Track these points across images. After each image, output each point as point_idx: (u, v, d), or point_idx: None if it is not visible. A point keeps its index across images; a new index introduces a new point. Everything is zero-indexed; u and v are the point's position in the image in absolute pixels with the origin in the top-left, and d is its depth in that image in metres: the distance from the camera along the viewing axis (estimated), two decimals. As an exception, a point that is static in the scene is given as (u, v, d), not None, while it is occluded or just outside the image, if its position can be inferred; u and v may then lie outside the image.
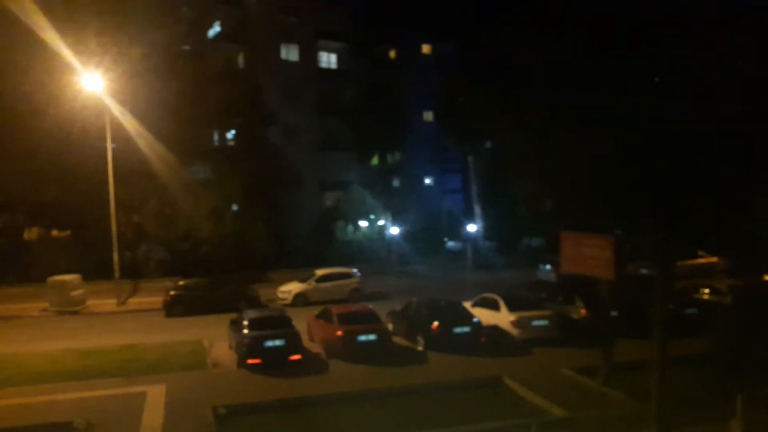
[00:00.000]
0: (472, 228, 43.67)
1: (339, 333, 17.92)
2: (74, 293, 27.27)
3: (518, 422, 12.34)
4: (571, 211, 26.09)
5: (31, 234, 44.72)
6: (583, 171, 21.62)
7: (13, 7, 27.52)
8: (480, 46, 41.65)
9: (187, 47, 44.19)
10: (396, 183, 54.04)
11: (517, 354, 18.49)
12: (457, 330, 18.78)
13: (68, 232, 41.36)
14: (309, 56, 45.65)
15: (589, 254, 14.87)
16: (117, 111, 29.73)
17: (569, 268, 16.13)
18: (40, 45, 28.96)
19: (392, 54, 56.48)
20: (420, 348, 18.95)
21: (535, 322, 19.48)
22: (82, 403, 14.28)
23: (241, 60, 44.46)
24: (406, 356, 18.49)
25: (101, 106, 28.84)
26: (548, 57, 24.61)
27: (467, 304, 21.29)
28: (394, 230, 38.99)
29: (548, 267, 31.01)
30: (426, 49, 57.68)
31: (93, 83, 27.68)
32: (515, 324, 19.33)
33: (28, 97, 30.95)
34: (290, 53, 44.99)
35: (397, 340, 19.81)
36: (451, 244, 48.94)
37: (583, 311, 20.09)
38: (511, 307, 19.86)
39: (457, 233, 48.11)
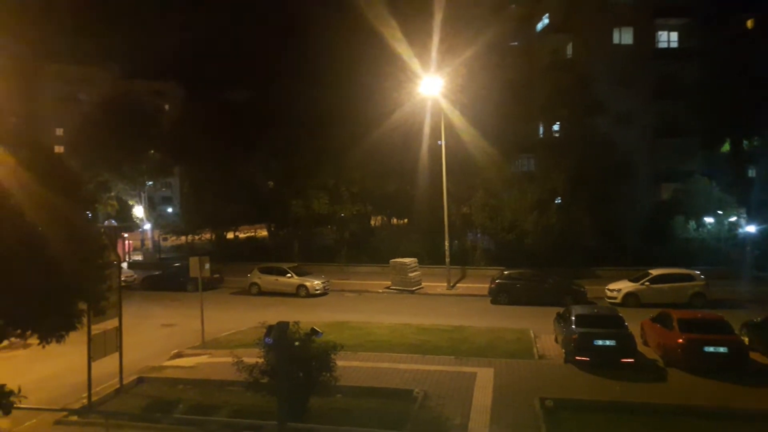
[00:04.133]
0: None
1: (680, 340, 15.88)
2: (412, 274, 30.29)
3: None
4: None
5: (376, 221, 51.70)
6: None
7: (374, 27, 31.97)
8: None
9: (515, 43, 45.04)
10: (751, 173, 45.72)
11: None
12: None
13: (405, 220, 46.46)
14: (645, 37, 41.84)
15: None
16: (449, 110, 31.93)
17: None
18: (390, 55, 33.00)
19: (749, 23, 47.90)
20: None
21: None
22: (419, 374, 15.53)
23: (569, 50, 43.22)
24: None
25: (436, 106, 31.34)
26: None
27: None
28: (750, 228, 33.06)
29: None
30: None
31: (432, 86, 30.27)
32: None
33: (379, 103, 35.63)
34: (623, 36, 41.91)
35: (754, 356, 16.58)
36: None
37: None
38: None
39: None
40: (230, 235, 53.95)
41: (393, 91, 34.41)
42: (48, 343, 8.54)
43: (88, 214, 9.56)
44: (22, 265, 7.22)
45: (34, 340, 8.57)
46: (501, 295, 26.49)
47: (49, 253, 7.67)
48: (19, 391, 7.13)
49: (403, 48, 32.61)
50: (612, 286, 26.40)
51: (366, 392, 14.11)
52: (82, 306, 9.37)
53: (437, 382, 14.85)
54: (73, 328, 8.80)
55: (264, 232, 56.23)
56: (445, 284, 30.60)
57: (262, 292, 30.12)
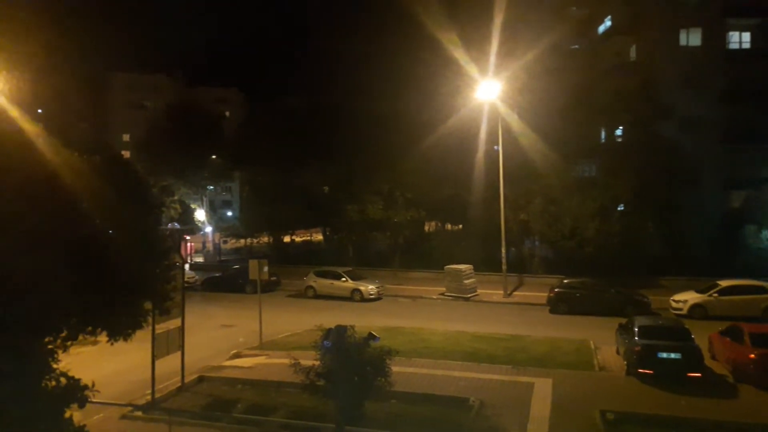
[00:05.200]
0: None
1: (752, 355, 15.12)
2: (467, 281, 29.97)
3: None
4: None
5: (430, 227, 51.49)
6: None
7: (431, 32, 31.99)
8: None
9: (575, 46, 44.06)
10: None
11: None
12: None
13: (460, 226, 46.06)
14: (714, 38, 40.06)
15: None
16: (506, 114, 31.49)
17: None
18: (447, 60, 32.92)
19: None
20: None
21: None
22: (474, 382, 15.31)
23: (633, 52, 41.89)
24: None
25: (494, 110, 30.97)
26: None
27: None
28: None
29: None
30: None
31: (489, 91, 29.95)
32: None
33: (435, 108, 35.56)
34: (691, 38, 40.28)
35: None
36: None
37: None
38: None
39: None
40: (287, 239, 54.93)
41: (449, 96, 34.25)
42: (116, 340, 8.86)
43: (155, 218, 9.90)
44: (94, 266, 7.53)
45: (101, 338, 8.92)
46: (560, 305, 25.87)
47: (118, 254, 7.98)
48: (93, 385, 7.44)
49: (460, 52, 32.45)
50: (677, 296, 25.37)
51: (421, 399, 14.02)
52: (148, 305, 9.71)
53: (493, 391, 14.61)
54: (140, 326, 9.12)
55: (319, 236, 56.97)
56: (502, 292, 30.12)
57: (317, 296, 30.52)
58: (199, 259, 53.43)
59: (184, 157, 47.50)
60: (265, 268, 20.94)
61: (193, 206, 56.51)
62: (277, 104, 53.30)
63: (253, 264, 20.91)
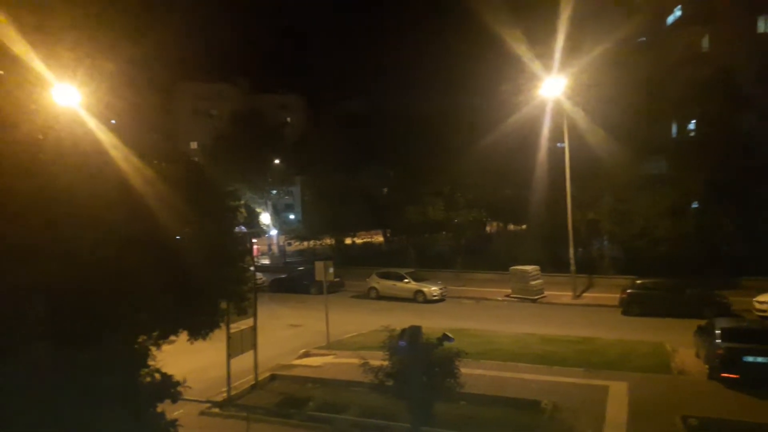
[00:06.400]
0: None
1: None
2: (533, 283, 29.36)
3: None
4: None
5: (492, 227, 50.77)
6: None
7: (491, 28, 31.56)
8: None
9: (643, 38, 42.48)
10: None
11: None
12: None
13: (524, 226, 45.14)
14: (796, 24, 37.78)
15: None
16: (571, 111, 30.67)
17: None
18: (508, 57, 32.42)
19: None
20: None
21: None
22: (546, 385, 14.95)
23: (705, 43, 39.99)
24: None
25: (557, 107, 30.22)
26: None
27: None
28: None
29: None
30: None
31: (553, 87, 29.27)
32: None
33: (495, 107, 35.06)
34: (770, 25, 38.13)
35: None
36: None
37: None
38: None
39: None
40: (348, 241, 55.54)
41: (510, 94, 33.64)
42: (196, 339, 9.18)
43: (230, 222, 10.22)
44: (178, 270, 7.85)
45: (175, 337, 9.26)
46: (633, 306, 24.93)
47: (199, 258, 8.27)
48: (185, 381, 7.73)
49: (522, 48, 31.81)
50: (761, 297, 23.95)
51: (491, 401, 13.83)
52: (223, 306, 10.02)
53: (566, 394, 14.22)
54: (218, 326, 9.43)
55: (380, 238, 57.32)
56: (570, 293, 29.31)
57: (380, 297, 30.66)
58: (265, 261, 54.77)
59: (249, 162, 48.84)
60: (331, 270, 21.21)
61: (258, 210, 57.98)
62: (336, 108, 54.17)
63: (318, 265, 21.22)
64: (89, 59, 7.63)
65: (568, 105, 30.09)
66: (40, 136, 6.74)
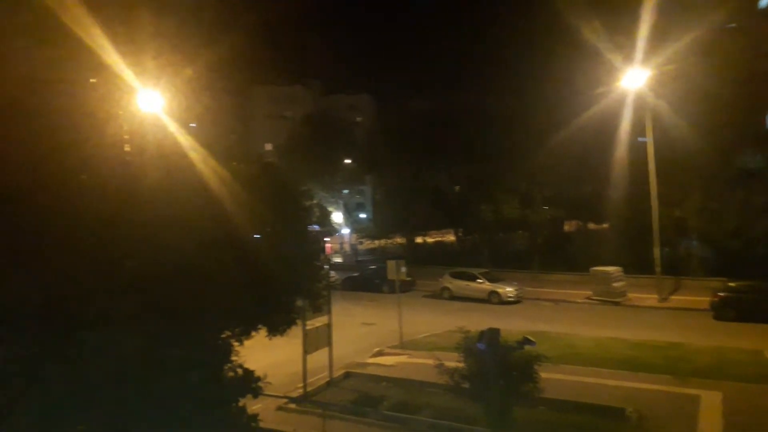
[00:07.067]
0: None
1: None
2: (616, 284, 28.12)
3: None
4: None
5: (570, 226, 49.12)
6: None
7: (566, 19, 30.50)
8: None
9: (732, 24, 39.86)
10: None
11: None
12: None
13: (605, 225, 43.36)
14: None
15: None
16: (655, 103, 29.16)
17: None
18: (585, 48, 31.20)
19: None
20: None
21: None
22: (631, 392, 14.21)
23: (804, 25, 37.02)
24: None
25: (639, 100, 28.78)
26: None
27: None
28: None
29: None
30: None
31: (635, 79, 27.93)
32: None
33: (572, 101, 33.83)
34: None
35: None
36: None
37: None
38: None
39: None
40: (419, 240, 55.36)
41: (587, 87, 32.34)
42: (274, 336, 9.31)
43: (306, 221, 10.34)
44: (258, 268, 7.98)
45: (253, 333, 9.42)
46: (726, 310, 23.32)
47: (278, 256, 8.38)
48: (266, 376, 7.85)
49: (600, 39, 30.50)
50: None
51: (571, 407, 13.29)
52: (299, 303, 10.14)
53: (653, 402, 13.46)
54: (294, 323, 9.54)
55: (451, 237, 56.78)
56: (656, 296, 27.79)
57: (453, 297, 30.30)
58: (338, 260, 55.51)
59: (321, 162, 49.69)
60: (403, 269, 21.14)
61: (330, 209, 58.90)
62: (405, 107, 54.12)
63: (390, 264, 21.19)
64: (171, 66, 7.87)
65: (651, 97, 28.59)
66: (126, 137, 7.00)
